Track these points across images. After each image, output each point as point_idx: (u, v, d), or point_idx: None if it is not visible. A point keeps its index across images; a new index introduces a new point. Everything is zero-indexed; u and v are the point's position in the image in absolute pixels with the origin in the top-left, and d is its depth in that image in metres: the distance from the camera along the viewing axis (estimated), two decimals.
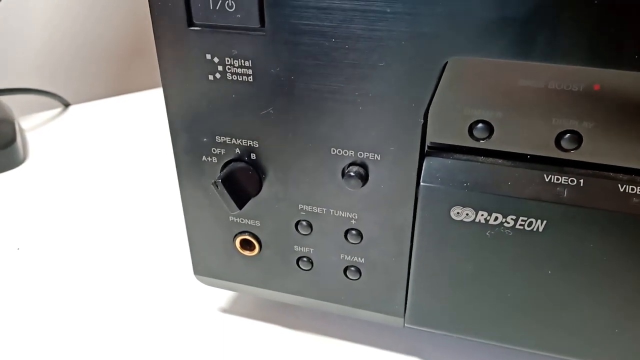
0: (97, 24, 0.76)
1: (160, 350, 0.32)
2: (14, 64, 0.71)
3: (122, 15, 0.77)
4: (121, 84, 0.79)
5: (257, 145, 0.27)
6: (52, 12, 0.72)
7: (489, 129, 0.24)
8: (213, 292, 0.37)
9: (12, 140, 0.56)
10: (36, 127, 0.66)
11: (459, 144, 0.24)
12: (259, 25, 0.23)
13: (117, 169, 0.55)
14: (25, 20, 0.71)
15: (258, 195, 0.28)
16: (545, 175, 0.23)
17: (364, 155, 0.25)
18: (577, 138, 0.23)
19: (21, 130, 0.61)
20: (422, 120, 0.24)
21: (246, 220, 0.29)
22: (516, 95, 0.23)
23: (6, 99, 0.64)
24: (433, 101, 0.23)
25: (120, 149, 0.59)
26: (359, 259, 0.28)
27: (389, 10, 0.22)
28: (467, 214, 0.24)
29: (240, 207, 0.27)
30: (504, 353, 0.32)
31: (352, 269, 0.29)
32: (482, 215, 0.24)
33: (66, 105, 0.71)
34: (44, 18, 0.72)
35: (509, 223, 0.24)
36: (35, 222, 0.46)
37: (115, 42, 0.78)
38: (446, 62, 0.22)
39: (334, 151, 0.26)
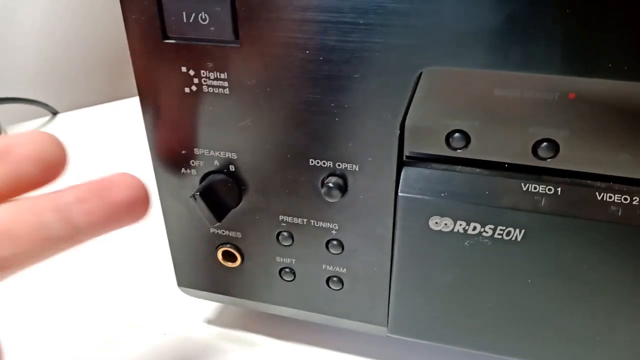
0: (84, 32, 0.76)
1: (160, 353, 0.32)
2: (0, 72, 0.70)
3: (108, 23, 0.77)
4: (109, 92, 0.79)
5: (236, 157, 0.27)
6: (38, 20, 0.72)
7: (466, 138, 0.23)
8: (199, 303, 0.37)
9: None
10: None
11: (437, 154, 0.24)
12: (233, 38, 0.23)
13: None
14: (12, 29, 0.70)
15: (238, 207, 0.28)
16: (522, 184, 0.23)
17: (342, 166, 0.25)
18: (554, 146, 0.23)
19: None
20: (399, 131, 0.23)
21: (227, 232, 0.29)
22: (492, 104, 0.23)
23: None
24: (409, 112, 0.23)
25: (108, 157, 0.59)
26: (341, 269, 0.28)
27: (361, 22, 0.21)
28: (445, 224, 0.24)
29: (220, 219, 0.27)
30: None
31: (335, 279, 0.28)
32: (461, 225, 0.24)
33: (54, 113, 0.71)
34: (31, 27, 0.72)
35: (487, 232, 0.24)
36: None
37: (102, 50, 0.78)
38: (421, 73, 0.22)
39: (312, 162, 0.25)
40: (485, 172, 0.24)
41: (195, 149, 0.27)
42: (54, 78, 0.76)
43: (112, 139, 0.64)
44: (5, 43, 0.70)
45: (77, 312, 0.36)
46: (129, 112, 0.70)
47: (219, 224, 0.27)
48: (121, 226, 0.23)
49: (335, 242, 0.27)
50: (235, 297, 0.31)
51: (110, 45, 0.78)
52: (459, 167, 0.24)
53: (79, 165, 0.58)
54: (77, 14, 0.75)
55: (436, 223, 0.24)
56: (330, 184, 0.25)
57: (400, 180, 0.24)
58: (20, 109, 0.68)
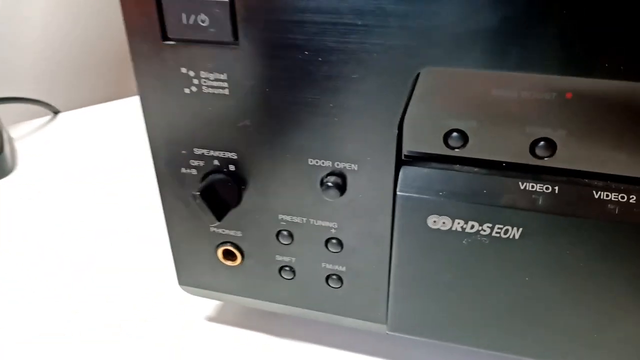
0: (85, 31, 0.76)
1: (163, 351, 0.33)
2: (2, 72, 0.71)
3: (110, 22, 0.77)
4: (110, 91, 0.79)
5: (236, 157, 0.27)
6: (40, 20, 0.72)
7: (464, 137, 0.24)
8: (200, 301, 0.37)
9: (0, 149, 0.56)
10: (25, 135, 0.66)
11: (435, 153, 0.24)
12: (233, 39, 0.23)
13: (106, 176, 0.55)
14: (14, 29, 0.70)
15: (238, 206, 0.28)
16: (520, 183, 0.24)
17: (341, 165, 0.25)
18: (551, 145, 0.23)
19: (10, 139, 0.61)
20: (397, 131, 0.24)
21: (227, 230, 0.29)
22: (489, 104, 0.23)
23: None
24: (407, 111, 0.23)
25: (110, 156, 0.59)
26: (340, 267, 0.28)
27: (360, 23, 0.22)
28: (443, 223, 0.24)
29: (220, 218, 0.27)
30: (488, 358, 0.32)
31: (334, 277, 0.29)
32: (459, 223, 0.24)
33: (55, 112, 0.71)
34: (32, 26, 0.72)
35: (485, 231, 0.24)
36: (24, 232, 0.46)
37: (103, 49, 0.78)
38: (418, 73, 0.22)
39: (311, 162, 0.26)
40: (483, 171, 0.24)
41: (195, 149, 0.27)
42: (55, 77, 0.76)
43: (113, 138, 0.64)
44: (7, 43, 0.70)
45: (76, 311, 0.37)
46: (130, 111, 0.70)
47: (219, 223, 0.27)
48: None
49: (334, 241, 0.27)
50: (236, 295, 0.32)
51: (111, 44, 0.78)
52: (457, 166, 0.24)
53: (81, 163, 0.59)
54: (79, 14, 0.75)
55: (434, 222, 0.24)
56: (329, 183, 0.25)
57: (399, 180, 0.25)
58: (22, 109, 0.68)
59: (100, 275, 0.40)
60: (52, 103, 0.71)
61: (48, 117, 0.71)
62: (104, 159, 0.59)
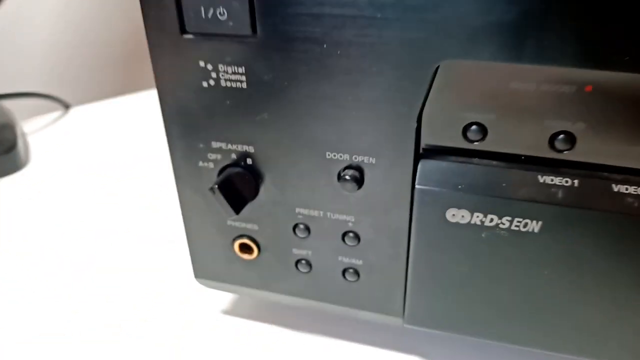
0: (96, 25, 0.76)
1: (163, 351, 0.33)
2: (14, 67, 0.71)
3: (121, 17, 0.77)
4: (122, 85, 0.79)
5: (253, 151, 0.27)
6: (51, 15, 0.72)
7: (483, 130, 0.24)
8: (215, 294, 0.37)
9: (14, 145, 0.56)
10: (37, 130, 0.66)
11: (454, 146, 0.24)
12: (251, 33, 0.24)
13: (118, 171, 0.55)
14: (25, 24, 0.71)
15: (255, 200, 0.28)
16: (539, 176, 0.24)
17: (359, 158, 0.25)
18: (571, 139, 0.23)
19: (22, 134, 0.62)
20: (416, 124, 0.24)
21: (244, 224, 0.29)
22: (508, 97, 0.23)
23: (7, 103, 0.64)
24: (426, 105, 0.23)
25: (122, 150, 0.59)
26: (357, 260, 0.28)
27: (379, 16, 0.22)
28: (462, 216, 0.24)
29: (237, 211, 0.27)
30: (504, 351, 0.32)
31: (351, 270, 0.29)
32: (478, 217, 0.24)
33: (67, 107, 0.72)
34: (44, 22, 0.72)
35: (504, 224, 0.24)
36: (38, 226, 0.46)
37: (115, 43, 0.78)
38: (438, 66, 0.22)
39: (329, 155, 0.26)
40: (502, 164, 0.24)
41: (212, 143, 0.27)
42: (66, 72, 0.76)
43: (124, 132, 0.64)
44: (19, 38, 0.71)
45: (76, 311, 0.37)
46: (141, 105, 0.71)
47: (236, 216, 0.27)
48: None
49: (351, 234, 0.28)
50: (252, 288, 0.32)
51: (122, 39, 0.78)
52: (475, 160, 0.24)
53: (93, 158, 0.59)
54: (90, 9, 0.75)
55: (453, 215, 0.24)
56: (347, 177, 0.25)
57: (417, 173, 0.25)
58: (33, 104, 0.69)
59: (100, 275, 0.40)
60: (64, 98, 0.71)
61: (60, 112, 0.71)
62: (116, 153, 0.59)
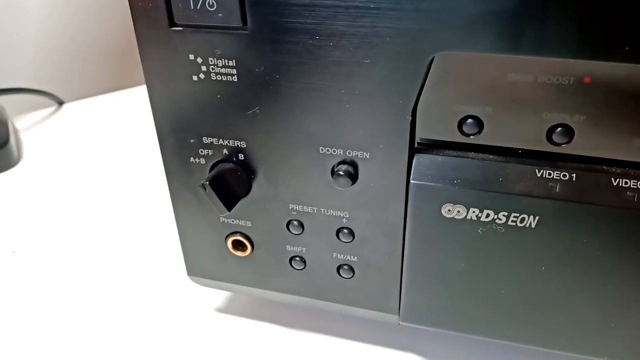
0: (88, 21, 0.75)
1: (157, 351, 0.32)
2: (6, 63, 0.70)
3: (114, 12, 0.76)
4: (115, 81, 0.78)
5: (245, 146, 0.26)
6: (43, 10, 0.72)
7: (479, 124, 0.23)
8: (209, 292, 0.37)
9: (6, 141, 0.55)
10: (30, 126, 0.65)
11: (449, 140, 0.24)
12: (241, 24, 0.23)
13: (112, 167, 0.54)
14: (17, 20, 0.70)
15: (248, 196, 0.28)
16: (537, 171, 0.23)
17: (353, 153, 0.25)
18: (569, 132, 0.22)
19: (15, 130, 0.61)
20: (410, 117, 0.23)
21: (237, 220, 0.29)
22: (505, 89, 0.22)
23: None
24: (421, 97, 0.23)
25: (115, 146, 0.59)
26: (352, 257, 0.28)
27: (372, 6, 0.21)
28: (458, 211, 0.24)
29: (230, 208, 0.27)
30: (500, 348, 0.31)
31: (345, 267, 0.28)
32: (474, 212, 0.24)
33: (60, 103, 0.71)
34: (36, 17, 0.71)
35: (501, 220, 0.23)
36: (31, 224, 0.46)
37: (107, 39, 0.78)
38: (432, 58, 0.22)
39: (322, 150, 0.25)
40: (499, 158, 0.24)
41: (203, 138, 0.27)
42: (59, 68, 0.75)
43: (118, 128, 0.63)
44: (11, 33, 0.70)
45: (85, 303, 0.36)
46: (135, 101, 0.70)
47: (228, 213, 0.27)
48: None
49: (346, 231, 0.27)
50: (246, 285, 0.31)
51: (115, 34, 0.77)
52: (471, 154, 0.24)
53: (86, 154, 0.58)
54: (83, 4, 0.74)
55: (449, 210, 0.24)
56: (341, 172, 0.25)
57: (412, 168, 0.24)
58: (26, 100, 0.68)
59: (108, 267, 0.40)
60: (57, 94, 0.71)
61: (53, 108, 0.70)
62: (109, 149, 0.58)
